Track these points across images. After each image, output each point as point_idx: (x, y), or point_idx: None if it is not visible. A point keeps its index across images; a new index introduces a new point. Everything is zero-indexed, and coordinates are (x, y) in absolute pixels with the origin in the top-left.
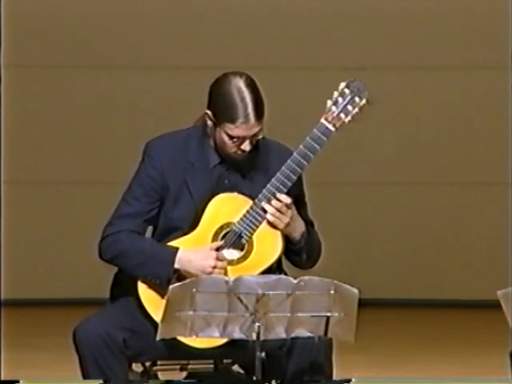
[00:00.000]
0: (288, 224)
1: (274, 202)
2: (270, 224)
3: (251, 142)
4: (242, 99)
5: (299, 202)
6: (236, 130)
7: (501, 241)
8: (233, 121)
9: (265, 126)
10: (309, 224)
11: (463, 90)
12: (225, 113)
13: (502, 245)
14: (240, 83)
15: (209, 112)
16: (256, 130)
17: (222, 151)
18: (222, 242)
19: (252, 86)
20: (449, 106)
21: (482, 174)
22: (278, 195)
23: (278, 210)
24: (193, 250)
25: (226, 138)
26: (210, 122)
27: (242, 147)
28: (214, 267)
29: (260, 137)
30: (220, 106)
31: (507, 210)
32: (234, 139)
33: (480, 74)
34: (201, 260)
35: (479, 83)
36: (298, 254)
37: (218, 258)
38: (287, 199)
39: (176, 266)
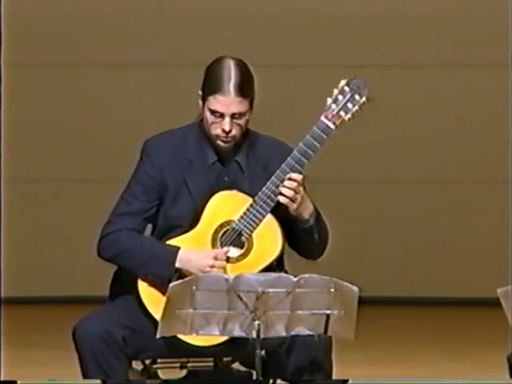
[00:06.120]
0: (300, 203)
1: (287, 182)
2: (282, 205)
3: (232, 122)
4: (228, 74)
5: None
6: (215, 102)
7: (501, 239)
8: (212, 93)
9: (252, 112)
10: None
11: (463, 88)
12: (208, 86)
13: (502, 243)
14: (231, 63)
15: (200, 92)
16: (235, 107)
17: (209, 137)
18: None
19: (242, 66)
20: (449, 104)
21: (481, 172)
22: (291, 174)
23: (293, 190)
24: (193, 250)
25: (208, 115)
26: (200, 103)
27: (222, 126)
28: (212, 266)
29: (244, 118)
30: (207, 81)
31: (507, 208)
32: (216, 114)
33: (480, 72)
34: (200, 259)
35: (479, 81)
36: (310, 233)
37: (216, 258)
38: (299, 176)
39: (177, 265)
